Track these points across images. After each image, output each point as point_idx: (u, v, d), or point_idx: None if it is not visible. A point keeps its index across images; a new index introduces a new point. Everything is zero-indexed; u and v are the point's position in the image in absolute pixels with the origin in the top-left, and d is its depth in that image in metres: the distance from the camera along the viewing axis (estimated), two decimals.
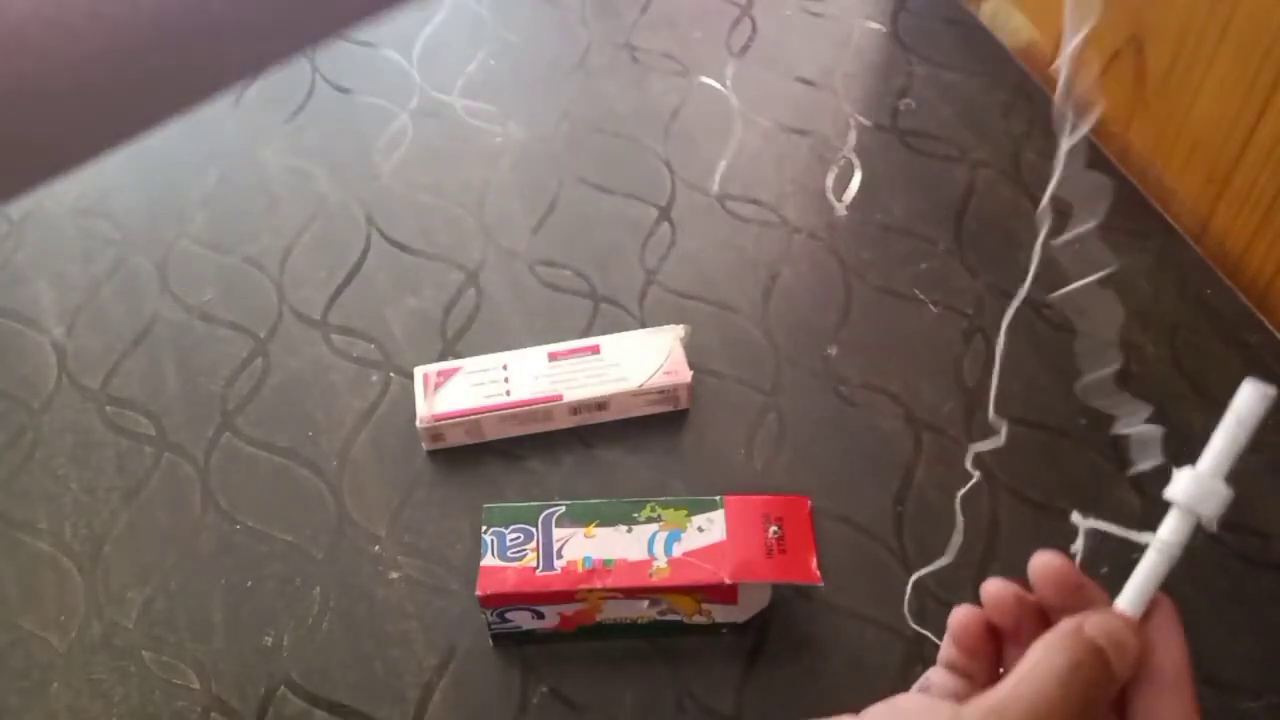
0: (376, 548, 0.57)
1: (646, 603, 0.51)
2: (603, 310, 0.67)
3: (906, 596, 0.54)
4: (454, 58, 0.82)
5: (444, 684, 0.53)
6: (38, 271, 0.69)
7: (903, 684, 0.52)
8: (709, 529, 0.52)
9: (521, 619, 0.52)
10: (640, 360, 0.61)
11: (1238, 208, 0.69)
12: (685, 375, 0.61)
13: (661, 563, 0.51)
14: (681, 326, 0.62)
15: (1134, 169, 0.75)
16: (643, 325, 0.66)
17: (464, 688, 0.53)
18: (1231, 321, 0.66)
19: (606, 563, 0.51)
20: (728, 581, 0.50)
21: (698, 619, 0.53)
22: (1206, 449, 0.36)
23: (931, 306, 0.67)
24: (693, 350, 0.62)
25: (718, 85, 0.80)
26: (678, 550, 0.52)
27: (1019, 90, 0.79)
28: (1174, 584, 0.56)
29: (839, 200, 0.73)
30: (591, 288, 0.68)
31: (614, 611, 0.52)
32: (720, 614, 0.53)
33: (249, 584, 0.56)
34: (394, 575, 0.56)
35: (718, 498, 0.53)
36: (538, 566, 0.51)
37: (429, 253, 0.70)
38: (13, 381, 0.64)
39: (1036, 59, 0.82)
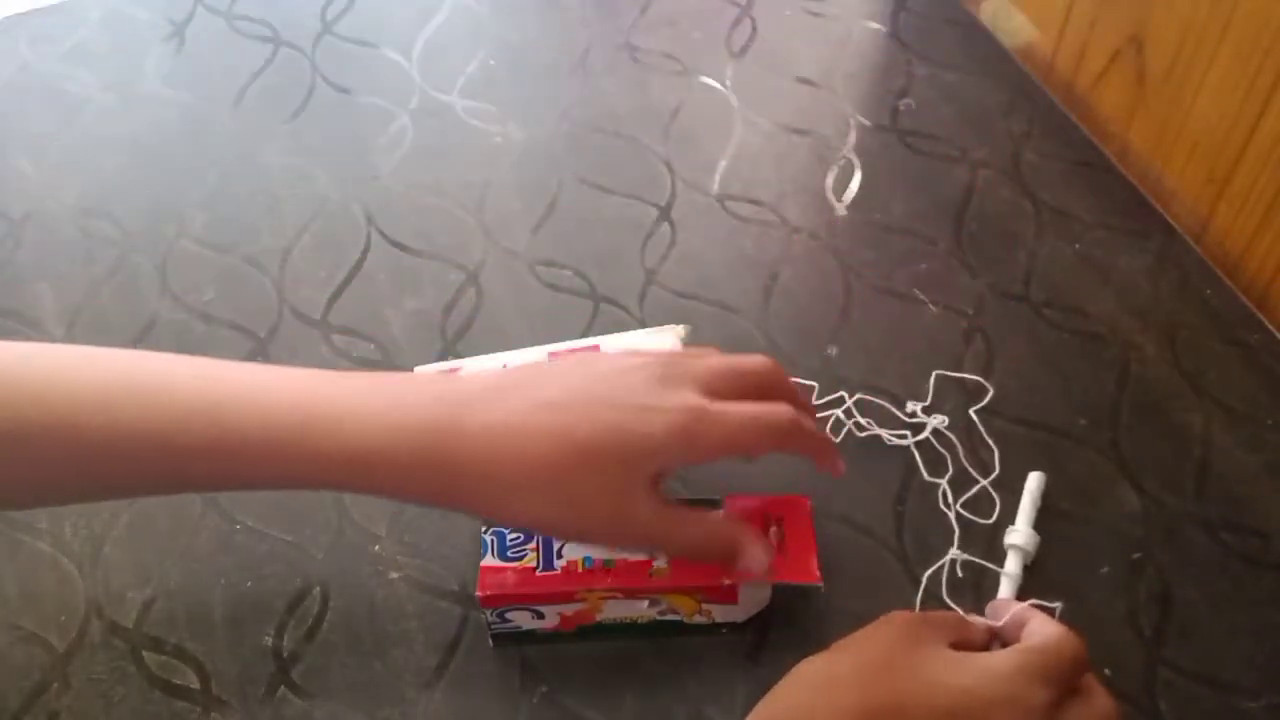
0: (376, 548, 0.57)
1: (646, 603, 0.51)
2: (603, 310, 0.67)
3: (919, 594, 0.55)
4: (454, 58, 0.82)
5: (444, 684, 0.53)
6: (38, 272, 0.69)
7: None
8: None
9: (521, 619, 0.52)
10: None
11: (1238, 208, 0.69)
12: None
13: (661, 562, 0.51)
14: (681, 326, 0.62)
15: (1134, 169, 0.75)
16: (643, 325, 0.66)
17: (464, 688, 0.53)
18: (1231, 321, 0.66)
19: (606, 563, 0.51)
20: (727, 582, 0.50)
21: (698, 619, 0.53)
22: (1019, 513, 0.57)
23: (931, 306, 0.67)
24: None
25: (718, 85, 0.80)
26: None
27: (1019, 90, 0.79)
28: (1175, 584, 0.56)
29: (839, 200, 0.73)
30: (591, 288, 0.68)
31: (614, 611, 0.52)
32: (720, 614, 0.53)
33: (249, 584, 0.56)
34: (394, 575, 0.56)
35: (718, 498, 0.53)
36: (537, 566, 0.51)
37: (429, 253, 0.70)
38: None
39: (1036, 59, 0.83)
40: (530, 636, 0.53)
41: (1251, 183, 0.67)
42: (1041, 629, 0.48)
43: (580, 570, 0.51)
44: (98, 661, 0.54)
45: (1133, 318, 0.66)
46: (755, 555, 0.48)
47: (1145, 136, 0.75)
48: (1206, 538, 0.57)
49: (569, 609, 0.52)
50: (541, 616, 0.52)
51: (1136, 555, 0.57)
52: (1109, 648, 0.53)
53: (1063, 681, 0.45)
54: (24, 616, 0.55)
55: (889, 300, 0.67)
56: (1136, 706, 0.52)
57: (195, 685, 0.53)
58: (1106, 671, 0.53)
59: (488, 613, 0.52)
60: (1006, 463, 0.59)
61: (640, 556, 0.51)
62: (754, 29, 0.84)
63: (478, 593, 0.50)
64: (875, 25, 0.84)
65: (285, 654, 0.54)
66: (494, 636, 0.53)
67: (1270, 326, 0.66)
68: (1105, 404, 0.62)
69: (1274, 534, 0.57)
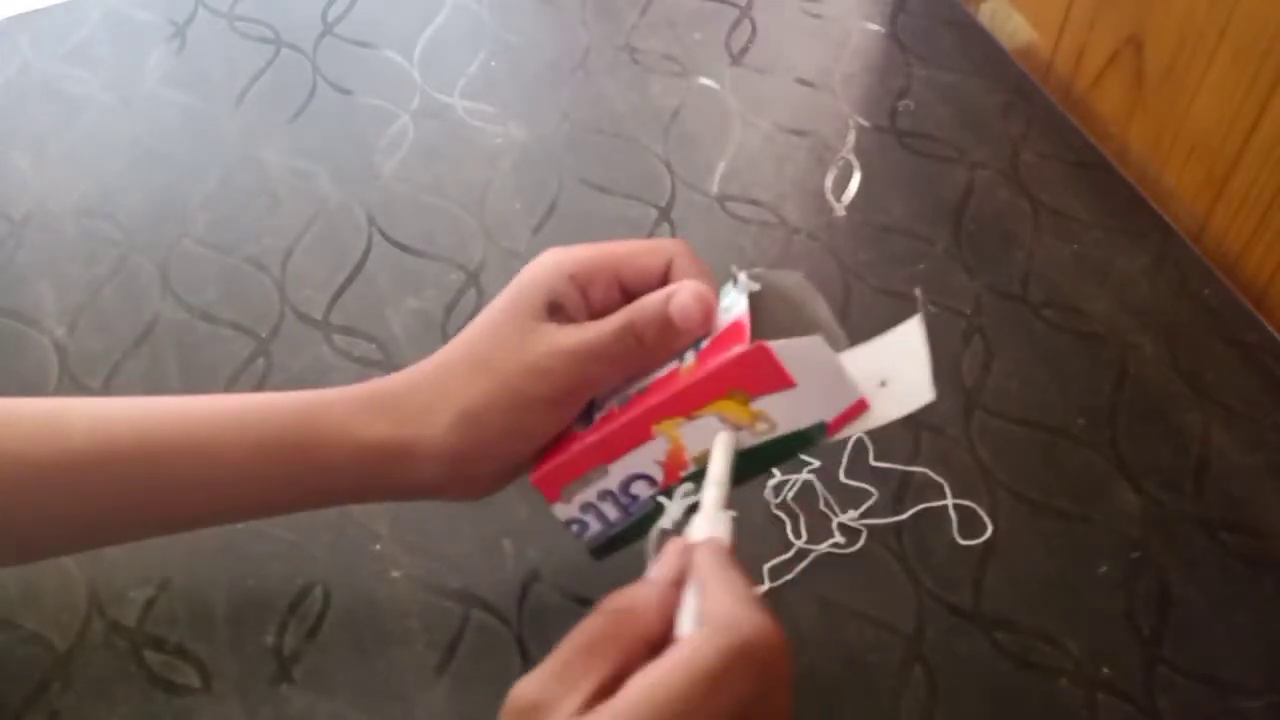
0: (378, 546, 0.57)
1: (715, 419, 0.44)
2: None
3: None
4: (454, 59, 0.82)
5: (445, 683, 0.53)
6: (39, 272, 0.69)
7: (903, 683, 0.53)
8: (734, 309, 0.44)
9: (610, 513, 0.47)
10: None
11: (1236, 208, 0.69)
12: None
13: (689, 360, 0.44)
14: None
15: (1133, 169, 0.75)
16: None
17: (466, 686, 0.53)
18: (1230, 321, 0.66)
19: (639, 389, 0.45)
20: (750, 345, 0.42)
21: (761, 428, 0.44)
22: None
23: (930, 306, 0.67)
24: None
25: (717, 86, 0.80)
26: (704, 344, 0.45)
27: (1018, 91, 0.79)
28: (1174, 584, 0.56)
29: (838, 201, 0.73)
30: None
31: (695, 443, 0.45)
32: (780, 412, 0.43)
33: (250, 583, 0.56)
34: (395, 574, 0.56)
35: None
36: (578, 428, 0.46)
37: (430, 253, 0.70)
38: (14, 382, 0.64)
39: (1035, 60, 0.83)
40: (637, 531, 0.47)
41: (1250, 183, 0.68)
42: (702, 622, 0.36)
43: (619, 407, 0.45)
44: (99, 661, 0.54)
45: (1131, 318, 0.67)
46: (684, 290, 0.44)
47: (1144, 137, 0.75)
48: (1206, 537, 0.58)
49: (656, 452, 0.45)
50: (633, 498, 0.46)
51: (1135, 555, 0.57)
52: (1108, 647, 0.54)
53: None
54: (25, 616, 0.55)
55: (888, 300, 0.67)
56: (1136, 706, 0.52)
57: (197, 684, 0.53)
58: (1105, 671, 0.53)
59: (561, 507, 0.47)
60: (1006, 462, 0.60)
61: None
62: (753, 30, 0.84)
63: (531, 478, 0.46)
64: (874, 26, 0.84)
65: (287, 653, 0.54)
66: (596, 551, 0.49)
67: (1269, 326, 0.66)
68: (1104, 404, 0.63)
69: (1273, 534, 0.58)
